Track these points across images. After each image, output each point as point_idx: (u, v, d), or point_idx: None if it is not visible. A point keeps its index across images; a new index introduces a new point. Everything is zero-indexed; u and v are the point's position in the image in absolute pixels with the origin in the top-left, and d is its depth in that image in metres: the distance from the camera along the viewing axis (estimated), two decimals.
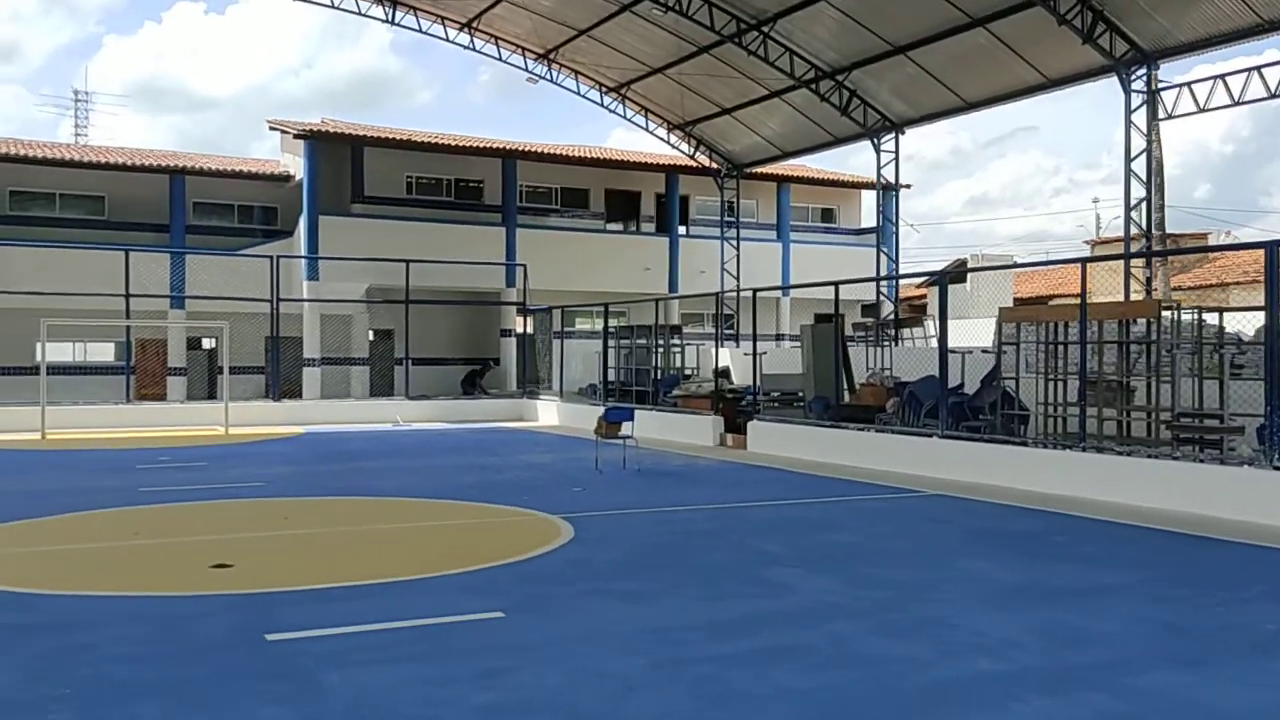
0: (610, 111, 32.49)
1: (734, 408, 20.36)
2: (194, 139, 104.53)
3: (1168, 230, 22.47)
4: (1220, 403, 13.24)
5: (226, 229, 33.02)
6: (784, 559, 9.07)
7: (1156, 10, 20.00)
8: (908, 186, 31.59)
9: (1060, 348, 14.59)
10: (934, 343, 23.86)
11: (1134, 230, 21.30)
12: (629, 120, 32.63)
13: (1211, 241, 34.85)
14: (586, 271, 33.02)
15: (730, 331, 31.83)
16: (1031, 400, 14.85)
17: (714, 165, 33.91)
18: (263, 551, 9.40)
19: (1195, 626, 6.90)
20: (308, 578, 8.14)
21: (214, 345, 30.61)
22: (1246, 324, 15.82)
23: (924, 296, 38.38)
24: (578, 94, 31.85)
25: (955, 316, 15.64)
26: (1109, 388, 13.96)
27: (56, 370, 24.32)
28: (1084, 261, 14.05)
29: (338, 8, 28.25)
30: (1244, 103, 20.36)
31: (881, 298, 31.89)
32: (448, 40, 29.93)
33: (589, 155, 36.15)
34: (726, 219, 34.61)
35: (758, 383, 20.23)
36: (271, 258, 26.43)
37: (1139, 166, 21.21)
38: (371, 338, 32.75)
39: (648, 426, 19.03)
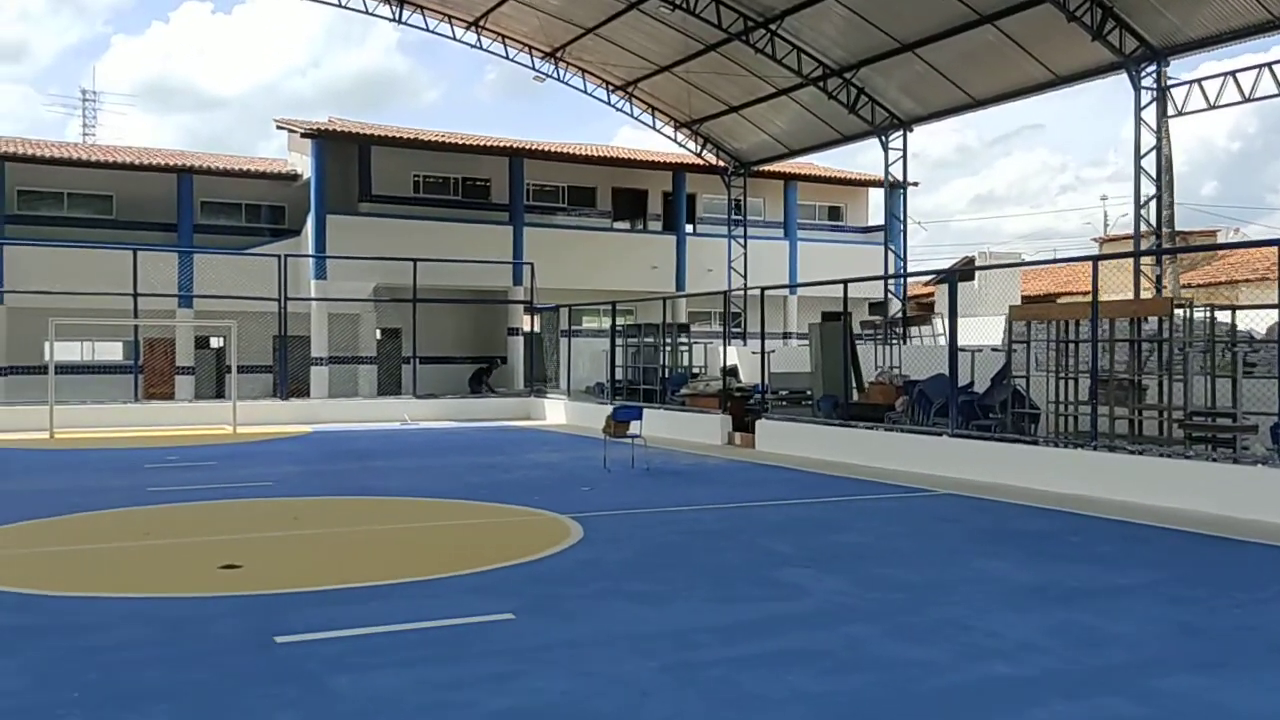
0: (617, 110, 32.46)
1: (742, 406, 20.30)
2: (202, 138, 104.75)
3: (1176, 227, 22.36)
4: (1233, 401, 13.16)
5: (234, 228, 33.04)
6: (795, 559, 9.02)
7: (1167, 7, 19.89)
8: (915, 184, 31.42)
9: (1071, 346, 14.51)
10: (943, 341, 23.82)
11: (1144, 228, 21.21)
12: (636, 119, 32.60)
13: (1220, 239, 34.64)
14: (594, 270, 32.97)
15: (738, 330, 31.77)
16: (1042, 399, 14.77)
17: (721, 163, 33.85)
18: (271, 552, 9.37)
19: (1212, 627, 6.84)
20: (317, 579, 8.10)
21: (222, 344, 30.64)
22: (1258, 322, 15.74)
23: (932, 295, 38.28)
24: (585, 92, 31.83)
25: (963, 314, 15.56)
26: (1120, 386, 13.88)
27: (65, 369, 24.34)
28: (1095, 260, 13.96)
29: (345, 7, 28.24)
30: (1254, 99, 20.24)
31: (889, 296, 31.78)
32: (455, 39, 29.92)
33: (596, 154, 36.11)
34: (734, 217, 34.58)
35: (766, 381, 20.17)
36: (279, 257, 26.42)
37: (1149, 164, 21.11)
38: (379, 336, 32.75)
39: (656, 425, 18.96)
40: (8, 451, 18.32)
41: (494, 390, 31.31)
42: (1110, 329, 13.79)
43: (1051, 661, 5.96)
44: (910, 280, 35.12)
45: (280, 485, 13.85)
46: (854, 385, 18.37)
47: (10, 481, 14.50)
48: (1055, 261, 30.80)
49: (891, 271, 28.63)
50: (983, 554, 9.30)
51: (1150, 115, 21.07)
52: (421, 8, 28.97)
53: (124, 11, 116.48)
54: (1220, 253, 32.81)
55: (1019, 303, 26.65)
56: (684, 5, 24.78)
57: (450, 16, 29.38)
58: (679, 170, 35.80)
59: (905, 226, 29.79)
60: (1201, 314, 15.62)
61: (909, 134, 27.79)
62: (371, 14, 28.71)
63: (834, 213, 40.38)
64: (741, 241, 34.20)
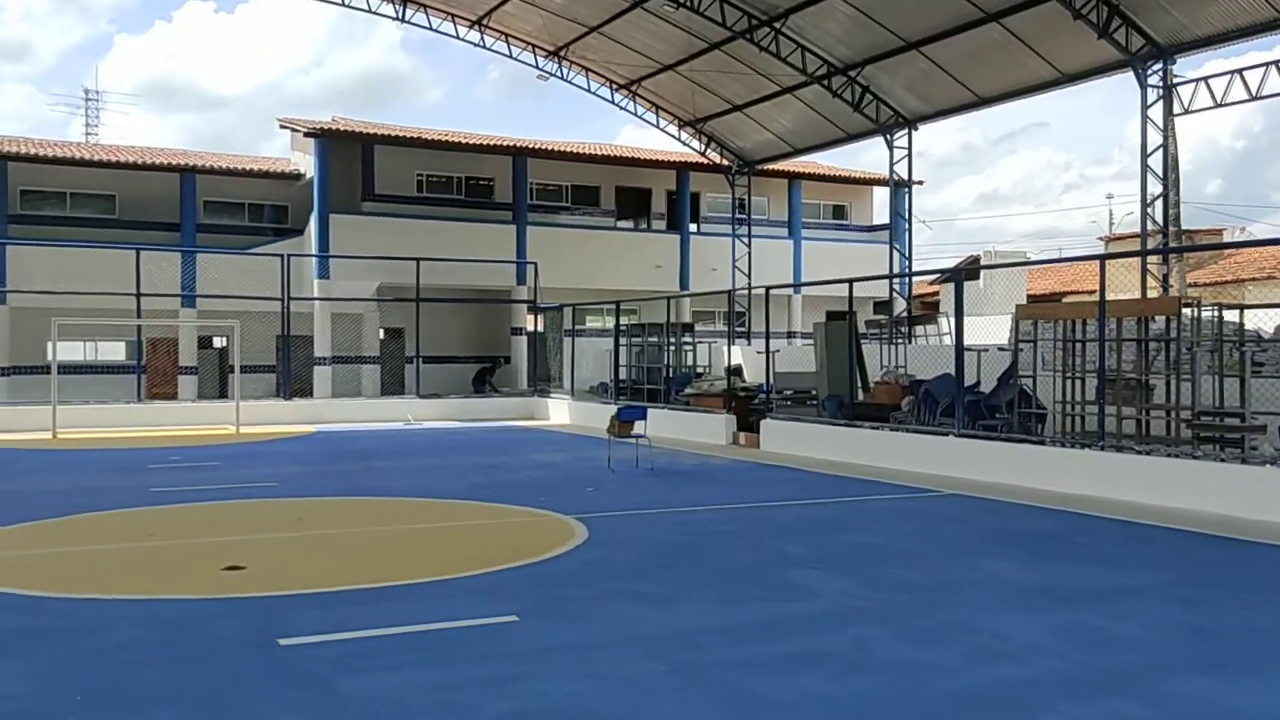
0: (621, 109, 32.44)
1: (747, 406, 20.26)
2: (204, 138, 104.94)
3: (1182, 226, 22.29)
4: (1241, 401, 13.09)
5: (237, 228, 33.04)
6: (803, 560, 8.97)
7: (1173, 4, 19.82)
8: (920, 183, 31.39)
9: (1078, 345, 14.44)
10: (948, 340, 23.76)
11: (1150, 226, 21.14)
12: (640, 117, 32.58)
13: (1226, 237, 34.58)
14: (597, 269, 32.94)
15: (742, 329, 31.71)
16: (1049, 398, 14.72)
17: (725, 162, 33.79)
18: (275, 553, 9.33)
19: (1220, 629, 6.79)
20: (320, 580, 8.06)
21: (225, 344, 30.62)
22: (1266, 321, 15.66)
23: (937, 294, 38.20)
24: (588, 91, 31.78)
25: (969, 314, 15.50)
26: (1128, 386, 13.82)
27: (68, 369, 24.35)
28: (1103, 259, 13.90)
29: (348, 5, 28.19)
30: (1261, 98, 20.17)
31: (894, 295, 31.71)
32: (458, 38, 29.86)
33: (599, 153, 36.05)
34: (738, 216, 34.52)
35: (770, 381, 20.12)
36: (282, 256, 26.40)
37: (1155, 162, 21.05)
38: (382, 336, 32.72)
39: (660, 425, 18.92)
40: (10, 452, 18.31)
41: (497, 390, 31.28)
42: (1117, 328, 13.72)
43: (1060, 663, 5.91)
44: (915, 279, 35.06)
45: (284, 486, 13.82)
46: (859, 385, 18.32)
47: (13, 482, 14.48)
48: (1062, 260, 30.73)
49: (896, 270, 28.59)
50: (989, 555, 9.26)
51: (1156, 113, 21.01)
52: (425, 6, 28.93)
53: (127, 11, 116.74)
54: (1226, 251, 32.74)
55: (1025, 302, 26.59)
56: (688, 4, 24.72)
57: (453, 15, 29.34)
58: (683, 169, 35.75)
59: (910, 225, 29.76)
60: (1209, 313, 15.54)
61: (914, 132, 27.74)
62: (375, 13, 28.65)
63: (838, 211, 40.32)
64: (745, 240, 34.15)
